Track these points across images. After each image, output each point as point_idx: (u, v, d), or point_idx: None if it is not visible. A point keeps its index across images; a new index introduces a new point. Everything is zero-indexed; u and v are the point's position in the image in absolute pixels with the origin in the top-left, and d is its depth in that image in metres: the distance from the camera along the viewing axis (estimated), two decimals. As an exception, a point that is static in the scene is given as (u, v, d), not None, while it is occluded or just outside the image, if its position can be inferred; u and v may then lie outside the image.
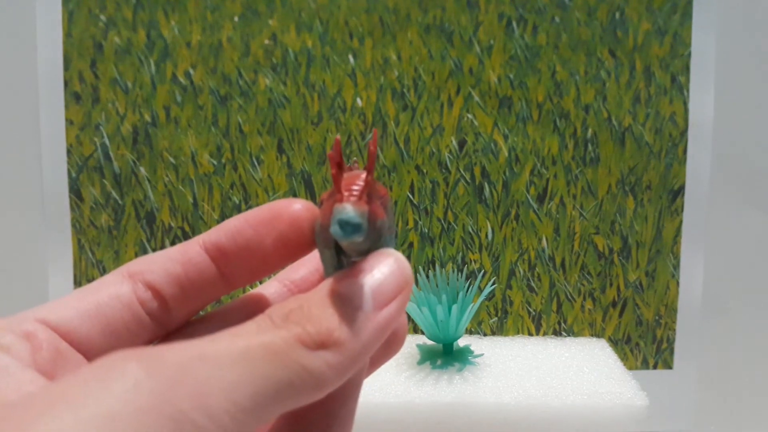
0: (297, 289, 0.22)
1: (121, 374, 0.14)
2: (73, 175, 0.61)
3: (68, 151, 0.61)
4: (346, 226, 0.16)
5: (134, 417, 0.13)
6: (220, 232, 0.20)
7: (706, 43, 0.63)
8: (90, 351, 0.19)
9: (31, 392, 0.16)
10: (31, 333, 0.18)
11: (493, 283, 0.63)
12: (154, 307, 0.20)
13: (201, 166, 0.61)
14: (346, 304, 0.16)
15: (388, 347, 0.20)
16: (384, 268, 0.18)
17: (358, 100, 0.61)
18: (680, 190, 0.64)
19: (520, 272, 0.63)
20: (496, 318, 0.64)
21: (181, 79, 0.61)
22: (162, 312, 0.20)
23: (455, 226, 0.63)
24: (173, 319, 0.20)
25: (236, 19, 0.60)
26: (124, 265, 0.20)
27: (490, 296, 0.63)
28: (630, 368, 0.64)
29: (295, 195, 0.62)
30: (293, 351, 0.15)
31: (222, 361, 0.14)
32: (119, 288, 0.20)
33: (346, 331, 0.16)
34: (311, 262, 0.22)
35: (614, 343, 0.64)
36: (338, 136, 0.19)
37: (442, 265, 0.63)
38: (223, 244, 0.20)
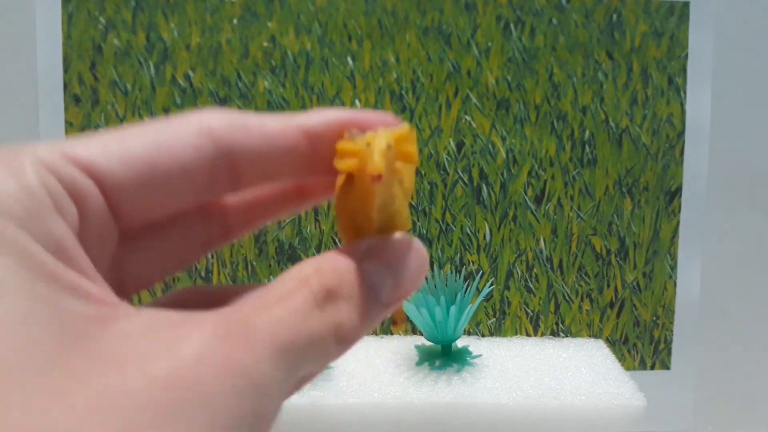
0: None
1: (195, 335, 0.14)
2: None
3: (68, 153, 0.61)
4: None
5: (203, 376, 0.14)
6: (324, 125, 0.18)
7: (702, 44, 0.63)
8: (122, 215, 0.16)
9: (97, 318, 0.14)
10: (79, 192, 0.15)
11: (491, 284, 0.63)
12: (223, 185, 0.18)
13: (200, 167, 0.61)
14: (372, 296, 0.17)
15: None
16: (412, 266, 0.18)
17: (357, 102, 0.62)
18: (677, 191, 0.64)
19: (518, 273, 0.64)
20: (494, 319, 0.64)
21: (181, 82, 0.61)
22: (226, 190, 0.18)
23: (453, 227, 0.63)
24: (241, 196, 0.20)
25: (235, 21, 0.61)
26: (205, 115, 0.17)
27: (488, 297, 0.64)
28: (627, 369, 0.64)
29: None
30: (327, 341, 0.16)
31: (276, 334, 0.15)
32: (195, 151, 0.17)
33: (362, 326, 0.17)
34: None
35: (612, 343, 0.65)
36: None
37: (441, 266, 0.63)
38: (324, 132, 0.18)
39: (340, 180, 0.19)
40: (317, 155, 0.18)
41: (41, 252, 0.14)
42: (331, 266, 0.17)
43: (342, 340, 0.17)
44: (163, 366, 0.13)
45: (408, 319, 0.21)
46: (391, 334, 0.61)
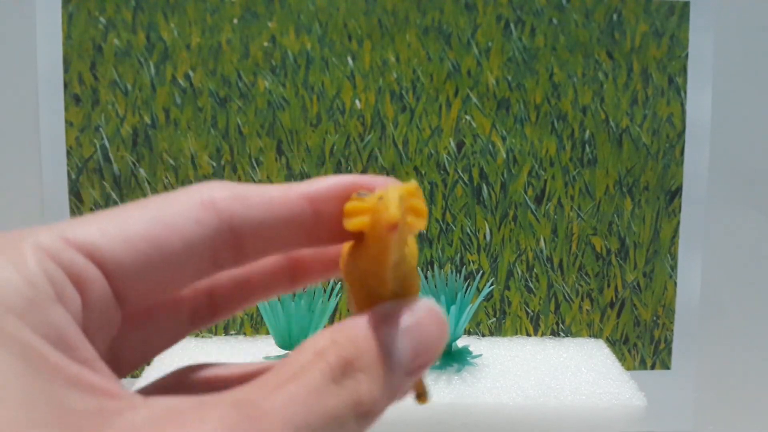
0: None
1: (203, 427, 0.14)
2: (73, 176, 0.61)
3: (68, 153, 0.61)
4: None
5: None
6: (327, 189, 0.18)
7: (703, 44, 0.63)
8: (126, 298, 0.16)
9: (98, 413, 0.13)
10: (82, 278, 0.15)
11: (492, 284, 0.63)
12: (227, 258, 0.17)
13: (200, 167, 0.61)
14: (392, 366, 0.16)
15: None
16: (432, 331, 0.17)
17: (357, 102, 0.62)
18: (678, 191, 0.64)
19: (518, 273, 0.64)
20: (494, 319, 0.64)
21: (181, 81, 0.61)
22: (230, 264, 0.18)
23: (453, 227, 0.63)
24: (230, 275, 0.20)
25: (235, 21, 0.61)
26: (206, 188, 0.17)
27: (489, 297, 0.64)
28: (628, 368, 0.64)
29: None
30: (347, 417, 0.15)
31: (291, 415, 0.15)
32: (196, 226, 0.16)
33: (384, 400, 0.16)
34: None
35: (612, 343, 0.65)
36: None
37: (441, 266, 0.63)
38: (328, 198, 0.18)
39: (345, 248, 0.18)
40: (322, 221, 0.18)
41: (42, 345, 0.13)
42: (347, 336, 0.16)
43: (362, 416, 0.16)
44: None
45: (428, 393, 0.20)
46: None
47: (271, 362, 0.19)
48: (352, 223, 0.17)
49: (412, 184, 0.18)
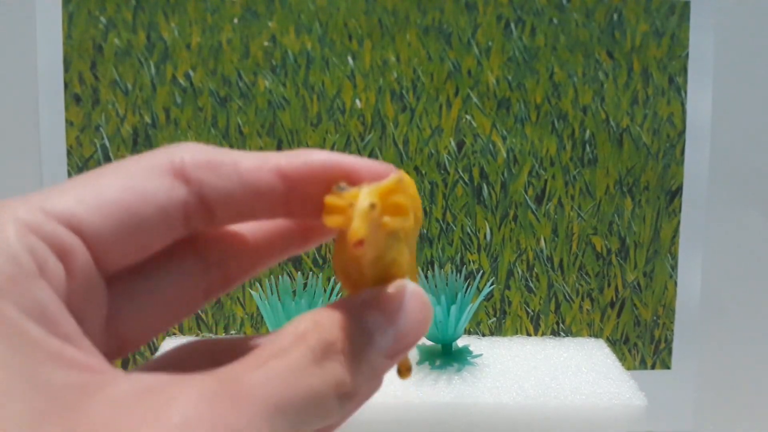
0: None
1: (181, 399, 0.14)
2: (73, 176, 0.61)
3: (68, 153, 0.61)
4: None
5: None
6: (303, 170, 0.18)
7: (703, 44, 0.63)
8: (105, 264, 0.16)
9: (78, 388, 0.13)
10: (65, 249, 0.15)
11: (492, 284, 0.63)
12: (199, 222, 0.17)
13: (201, 167, 0.61)
14: (373, 348, 0.17)
15: None
16: (413, 314, 0.17)
17: (357, 102, 0.62)
18: (678, 191, 0.64)
19: (518, 273, 0.64)
20: (494, 318, 0.64)
21: (181, 81, 0.61)
22: (202, 227, 0.18)
23: (454, 226, 0.63)
24: (241, 243, 0.20)
25: (236, 20, 0.61)
26: (178, 151, 0.17)
27: (489, 297, 0.64)
28: (628, 368, 0.64)
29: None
30: (328, 397, 0.16)
31: (271, 391, 0.15)
32: (168, 193, 0.16)
33: (366, 381, 0.17)
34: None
35: (612, 343, 0.65)
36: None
37: (441, 266, 0.63)
38: (302, 177, 0.18)
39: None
40: (294, 198, 0.18)
41: (23, 321, 0.13)
42: (329, 320, 0.16)
43: (345, 396, 0.16)
44: None
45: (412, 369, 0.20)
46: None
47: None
48: (329, 220, 0.17)
49: (392, 179, 0.17)
